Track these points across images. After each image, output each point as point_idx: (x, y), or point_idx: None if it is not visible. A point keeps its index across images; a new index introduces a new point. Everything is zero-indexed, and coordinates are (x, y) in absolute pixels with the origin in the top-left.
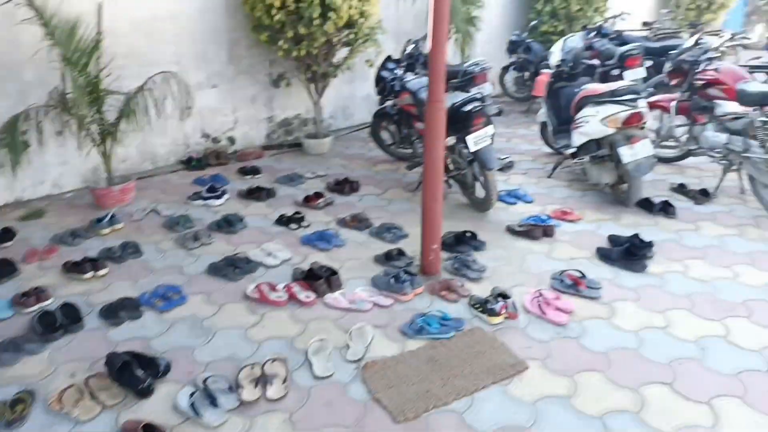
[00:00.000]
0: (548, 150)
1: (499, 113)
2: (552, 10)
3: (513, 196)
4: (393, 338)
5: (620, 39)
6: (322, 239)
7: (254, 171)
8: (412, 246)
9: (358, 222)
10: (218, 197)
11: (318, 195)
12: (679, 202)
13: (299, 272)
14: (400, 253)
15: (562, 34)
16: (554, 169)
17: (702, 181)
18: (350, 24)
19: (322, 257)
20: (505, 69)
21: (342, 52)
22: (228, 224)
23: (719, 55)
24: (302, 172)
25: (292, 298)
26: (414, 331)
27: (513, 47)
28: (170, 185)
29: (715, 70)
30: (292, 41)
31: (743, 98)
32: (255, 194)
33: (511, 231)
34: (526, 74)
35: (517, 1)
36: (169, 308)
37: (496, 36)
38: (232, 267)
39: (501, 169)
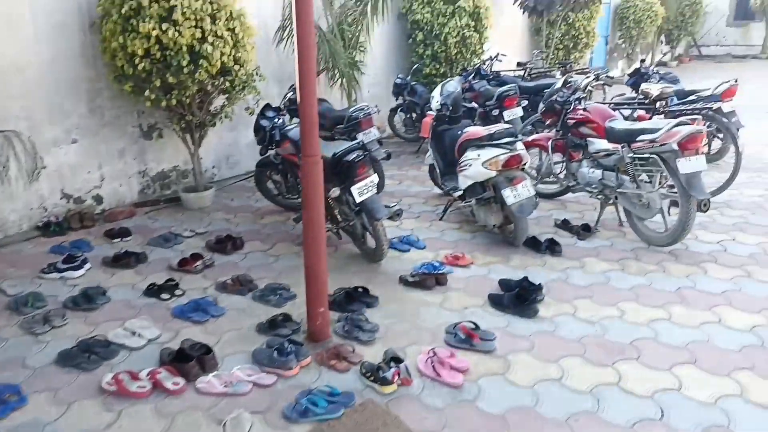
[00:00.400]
0: (439, 191)
1: (388, 157)
2: (432, 53)
3: (406, 243)
4: (274, 425)
5: (498, 80)
6: (197, 310)
7: (123, 233)
8: (300, 308)
9: (240, 285)
10: (77, 267)
11: (196, 257)
12: (564, 239)
13: (167, 354)
14: (286, 318)
15: (444, 75)
16: (445, 211)
17: (583, 215)
18: (225, 71)
19: (197, 331)
20: (394, 111)
21: (220, 100)
22: (87, 300)
23: (586, 95)
24: (179, 230)
25: (158, 386)
26: (298, 413)
27: (398, 90)
28: (21, 257)
29: (584, 109)
30: (161, 90)
31: (611, 136)
32: (122, 260)
33: (404, 282)
34: (414, 115)
35: (400, 45)
36: (4, 415)
37: (382, 78)
38: (87, 354)
39: (390, 218)
